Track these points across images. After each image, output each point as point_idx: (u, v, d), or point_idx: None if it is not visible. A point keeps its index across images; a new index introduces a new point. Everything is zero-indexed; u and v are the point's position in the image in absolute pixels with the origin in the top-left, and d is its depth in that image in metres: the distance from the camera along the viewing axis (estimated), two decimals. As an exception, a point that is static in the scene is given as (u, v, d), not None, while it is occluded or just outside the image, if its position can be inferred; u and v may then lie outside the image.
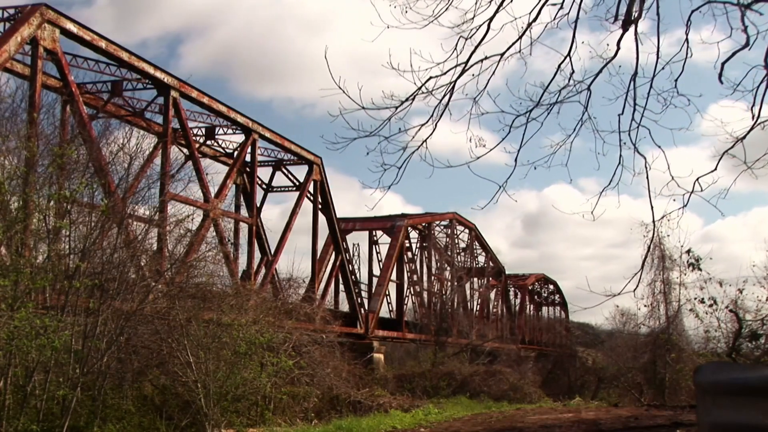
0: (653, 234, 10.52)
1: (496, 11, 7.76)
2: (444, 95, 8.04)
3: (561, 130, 8.41)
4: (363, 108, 7.66)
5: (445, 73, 7.92)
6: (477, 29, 7.85)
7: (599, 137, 8.26)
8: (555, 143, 8.39)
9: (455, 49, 7.83)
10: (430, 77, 7.87)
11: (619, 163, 8.28)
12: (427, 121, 8.13)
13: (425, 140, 8.08)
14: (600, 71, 8.19)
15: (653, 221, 8.76)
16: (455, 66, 7.92)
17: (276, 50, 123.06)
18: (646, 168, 8.29)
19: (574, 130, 8.25)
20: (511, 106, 8.24)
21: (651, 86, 8.06)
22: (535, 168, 8.35)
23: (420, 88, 7.86)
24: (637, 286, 8.62)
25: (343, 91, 7.50)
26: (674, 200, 8.41)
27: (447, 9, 7.63)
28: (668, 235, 25.60)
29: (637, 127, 8.20)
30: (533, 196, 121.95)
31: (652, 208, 8.55)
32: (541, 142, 8.39)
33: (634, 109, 8.19)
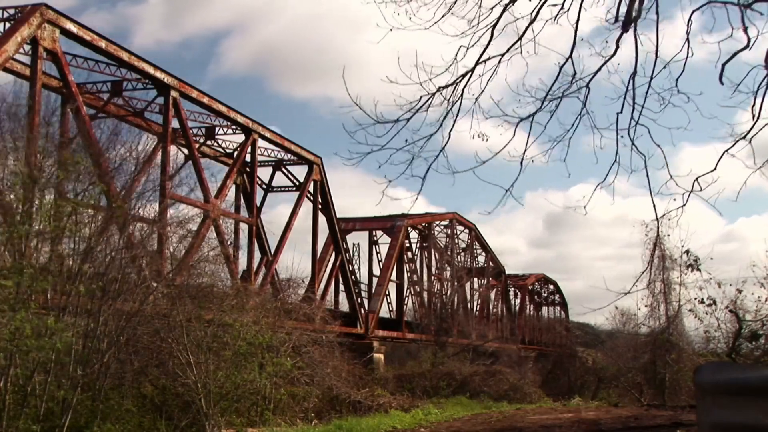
0: (657, 233, 10.52)
1: (499, 17, 7.79)
2: (453, 103, 8.09)
3: (592, 130, 8.39)
4: (377, 122, 7.88)
5: (455, 82, 7.99)
6: (480, 36, 7.91)
7: (598, 133, 8.32)
8: (559, 142, 8.40)
9: (455, 58, 7.90)
10: (439, 88, 7.99)
11: (615, 160, 8.34)
12: (435, 132, 8.21)
13: (442, 149, 8.18)
14: (599, 69, 8.21)
15: (656, 219, 8.77)
16: (460, 75, 7.98)
17: (317, 48, 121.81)
18: (645, 167, 8.31)
19: (573, 125, 8.28)
20: (514, 110, 8.26)
21: (650, 85, 8.09)
22: (533, 161, 8.40)
23: (429, 101, 7.94)
24: (648, 284, 8.62)
25: (359, 107, 7.76)
26: (675, 200, 8.44)
27: (448, 14, 7.66)
28: (668, 235, 25.59)
29: (636, 125, 8.24)
30: (559, 196, 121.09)
31: (654, 206, 8.58)
32: (565, 142, 8.35)
33: (633, 108, 8.21)
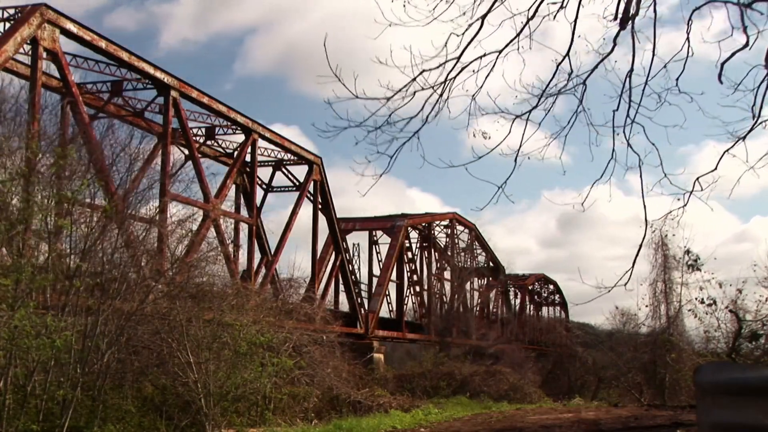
0: (658, 234, 10.48)
1: (491, 7, 7.74)
2: (441, 89, 8.01)
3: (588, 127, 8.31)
4: (356, 97, 7.64)
5: (439, 66, 7.89)
6: (470, 25, 7.84)
7: (594, 130, 8.29)
8: (550, 138, 8.37)
9: (445, 45, 7.80)
10: (423, 70, 7.85)
11: (612, 158, 8.31)
12: (416, 114, 8.08)
13: (415, 133, 8.02)
14: (596, 67, 8.17)
15: (645, 220, 8.72)
16: (447, 60, 7.89)
17: (344, 48, 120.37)
18: (639, 165, 8.28)
19: (569, 122, 8.24)
20: (508, 109, 8.20)
21: (646, 84, 8.06)
22: (528, 158, 8.32)
23: (413, 80, 7.83)
24: (627, 281, 8.45)
25: (339, 80, 7.48)
26: (678, 199, 8.42)
27: (448, 8, 7.62)
28: (674, 234, 25.57)
29: (631, 123, 8.21)
30: (575, 196, 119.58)
31: (644, 206, 8.54)
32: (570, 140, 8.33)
33: (629, 106, 8.19)
